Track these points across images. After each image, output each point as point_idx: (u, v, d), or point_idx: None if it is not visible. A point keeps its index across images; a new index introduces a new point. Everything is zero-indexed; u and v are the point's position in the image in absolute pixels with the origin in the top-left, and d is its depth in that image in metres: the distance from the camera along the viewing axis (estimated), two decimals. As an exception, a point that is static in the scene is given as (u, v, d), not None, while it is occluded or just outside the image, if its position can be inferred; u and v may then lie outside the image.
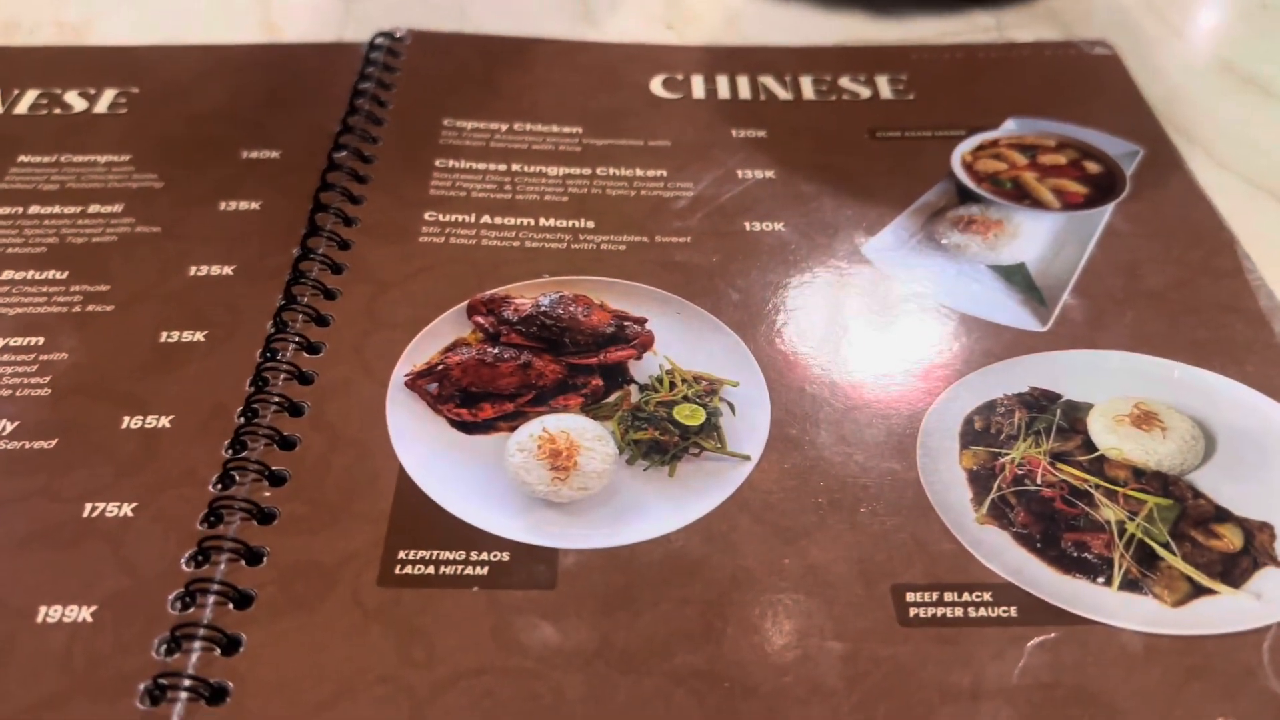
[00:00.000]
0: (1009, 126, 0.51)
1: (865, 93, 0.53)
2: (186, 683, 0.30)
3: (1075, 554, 0.33)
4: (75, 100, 0.51)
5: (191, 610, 0.31)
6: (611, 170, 0.48)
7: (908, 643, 0.31)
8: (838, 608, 0.32)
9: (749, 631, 0.31)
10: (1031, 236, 0.45)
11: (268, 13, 0.59)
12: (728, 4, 0.61)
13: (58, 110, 0.50)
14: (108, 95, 0.51)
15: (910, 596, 0.32)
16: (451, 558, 0.33)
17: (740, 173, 0.48)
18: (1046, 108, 0.52)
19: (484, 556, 0.33)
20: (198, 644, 0.31)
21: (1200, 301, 0.42)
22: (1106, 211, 0.46)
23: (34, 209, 0.45)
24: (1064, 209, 0.46)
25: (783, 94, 0.53)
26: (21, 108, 0.50)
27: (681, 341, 0.40)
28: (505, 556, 0.33)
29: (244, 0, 0.59)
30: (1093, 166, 0.49)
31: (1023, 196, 0.47)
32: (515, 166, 0.48)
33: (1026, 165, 0.49)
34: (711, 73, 0.54)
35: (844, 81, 0.54)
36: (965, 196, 0.47)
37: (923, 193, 0.47)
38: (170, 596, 0.32)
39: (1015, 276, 0.43)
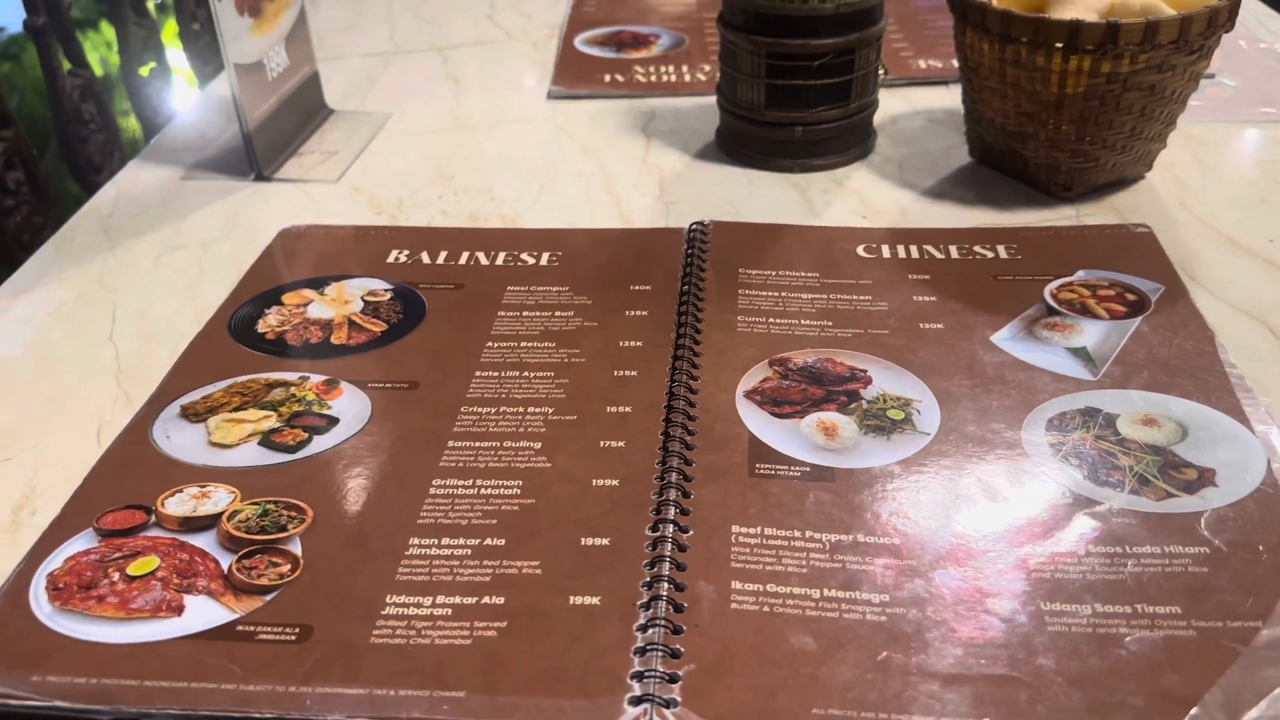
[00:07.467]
0: (1080, 274, 0.84)
1: (990, 254, 0.87)
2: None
3: (1107, 478, 0.65)
4: (528, 257, 0.90)
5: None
6: (840, 296, 0.83)
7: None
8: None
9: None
10: (1091, 333, 0.77)
11: (620, 209, 0.98)
12: (900, 203, 0.97)
13: (519, 263, 0.89)
14: (545, 255, 0.90)
15: (1016, 492, 0.64)
16: (784, 470, 0.66)
17: (915, 298, 0.82)
18: (1105, 263, 0.85)
19: (795, 472, 0.66)
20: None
21: (1188, 367, 0.73)
22: (1137, 321, 0.78)
23: (526, 313, 0.82)
24: (1111, 319, 0.79)
25: (938, 255, 0.88)
26: (499, 260, 0.89)
27: (889, 382, 0.74)
28: (806, 470, 0.66)
29: (606, 205, 0.99)
30: (1131, 296, 0.81)
31: (1087, 313, 0.80)
32: (783, 294, 0.83)
33: (1090, 295, 0.81)
34: (894, 243, 0.89)
35: (977, 248, 0.88)
36: (1051, 313, 0.80)
37: (1025, 310, 0.80)
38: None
39: (1081, 353, 0.76)
